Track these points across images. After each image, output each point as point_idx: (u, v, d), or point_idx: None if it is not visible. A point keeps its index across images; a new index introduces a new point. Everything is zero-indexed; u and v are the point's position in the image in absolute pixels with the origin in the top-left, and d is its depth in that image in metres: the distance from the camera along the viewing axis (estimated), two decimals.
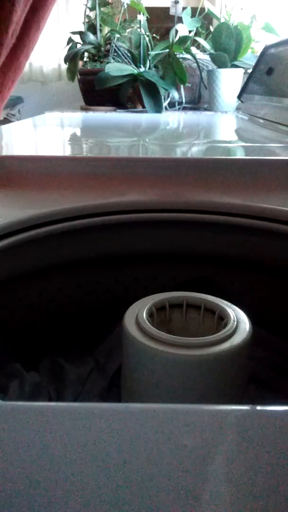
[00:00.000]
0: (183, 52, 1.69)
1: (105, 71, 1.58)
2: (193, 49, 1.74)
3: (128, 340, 0.47)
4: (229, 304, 0.52)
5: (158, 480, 0.20)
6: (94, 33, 1.81)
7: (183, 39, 1.69)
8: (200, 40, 1.72)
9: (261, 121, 1.29)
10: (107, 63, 1.68)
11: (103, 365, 0.62)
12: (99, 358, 0.63)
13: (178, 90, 1.71)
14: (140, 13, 1.72)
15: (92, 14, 1.87)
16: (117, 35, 1.75)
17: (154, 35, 1.77)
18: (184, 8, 1.76)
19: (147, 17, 1.76)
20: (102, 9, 1.82)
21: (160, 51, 1.69)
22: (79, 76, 1.81)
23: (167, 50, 1.66)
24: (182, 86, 1.75)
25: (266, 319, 0.67)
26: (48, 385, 0.59)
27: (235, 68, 1.66)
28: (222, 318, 0.50)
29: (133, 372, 0.49)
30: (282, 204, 0.60)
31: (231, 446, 0.22)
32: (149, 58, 1.71)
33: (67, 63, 1.82)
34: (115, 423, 0.24)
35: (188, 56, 1.71)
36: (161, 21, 1.99)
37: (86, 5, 1.84)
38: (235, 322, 0.48)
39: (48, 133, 1.25)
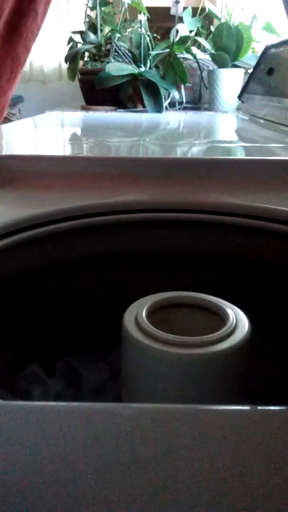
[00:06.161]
0: (184, 52, 1.69)
1: (105, 70, 1.58)
2: (194, 49, 1.74)
3: (127, 339, 0.47)
4: (229, 304, 0.52)
5: (158, 480, 0.20)
6: (95, 32, 1.81)
7: (184, 39, 1.69)
8: (201, 40, 1.71)
9: (262, 121, 1.29)
10: (108, 62, 1.68)
11: (117, 372, 0.61)
12: (113, 365, 0.63)
13: (178, 90, 1.71)
14: (140, 13, 1.72)
15: (92, 14, 1.87)
16: (118, 35, 1.75)
17: (154, 34, 1.77)
18: (184, 8, 1.76)
19: (147, 16, 1.76)
20: (102, 8, 1.82)
21: (161, 51, 1.69)
22: (79, 76, 1.81)
23: (168, 50, 1.66)
24: (182, 86, 1.75)
25: (266, 319, 0.67)
26: (65, 391, 0.58)
27: (236, 68, 1.65)
28: (221, 318, 0.50)
29: (132, 371, 0.50)
30: (282, 204, 0.60)
31: (231, 446, 0.22)
32: (150, 57, 1.71)
33: (68, 63, 1.82)
34: (115, 423, 0.24)
35: (188, 56, 1.71)
36: (162, 21, 1.99)
37: (86, 4, 1.84)
38: (234, 322, 0.48)
39: (49, 132, 1.25)
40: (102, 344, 0.66)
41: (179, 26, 1.71)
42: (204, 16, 1.79)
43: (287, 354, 0.65)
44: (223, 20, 1.73)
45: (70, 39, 1.89)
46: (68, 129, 1.38)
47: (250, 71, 1.62)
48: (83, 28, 1.86)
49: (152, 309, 0.51)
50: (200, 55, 1.74)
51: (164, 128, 1.38)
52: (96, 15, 1.80)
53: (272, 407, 0.25)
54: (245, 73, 1.66)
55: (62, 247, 0.62)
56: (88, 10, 1.85)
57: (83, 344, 0.67)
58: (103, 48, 1.80)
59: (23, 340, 0.64)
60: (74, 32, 1.87)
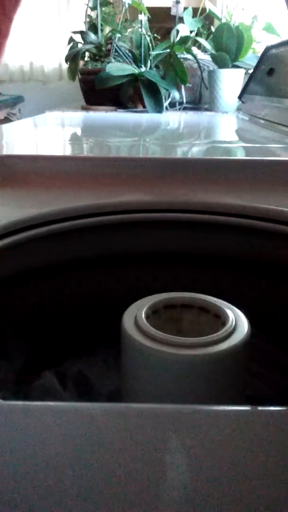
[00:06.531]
0: (184, 52, 1.69)
1: (106, 70, 1.58)
2: (194, 49, 1.74)
3: (126, 339, 0.47)
4: (228, 304, 0.52)
5: (158, 480, 0.20)
6: (95, 32, 1.81)
7: (184, 39, 1.69)
8: (201, 40, 1.71)
9: (262, 121, 1.29)
10: (108, 62, 1.68)
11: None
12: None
13: (179, 90, 1.71)
14: (141, 13, 1.72)
15: (93, 14, 1.87)
16: (118, 35, 1.75)
17: (155, 35, 1.77)
18: (185, 8, 1.76)
19: (148, 17, 1.76)
20: (103, 8, 1.82)
21: (161, 51, 1.69)
22: (80, 76, 1.81)
23: (168, 50, 1.66)
24: (183, 86, 1.75)
25: (267, 319, 0.67)
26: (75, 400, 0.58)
27: (236, 69, 1.66)
28: (221, 320, 0.50)
29: (131, 372, 0.49)
30: (282, 204, 0.60)
31: (231, 446, 0.22)
32: (150, 58, 1.71)
33: (68, 63, 1.82)
34: (115, 423, 0.24)
35: (189, 56, 1.71)
36: (162, 21, 1.99)
37: (87, 4, 1.84)
38: (234, 322, 0.48)
39: (49, 132, 1.25)
40: (111, 349, 0.65)
41: (179, 26, 1.71)
42: (205, 17, 1.79)
43: (287, 356, 0.65)
44: (223, 21, 1.73)
45: (71, 39, 1.89)
46: (68, 129, 1.38)
47: (250, 71, 1.62)
48: (83, 28, 1.86)
49: (151, 309, 0.51)
50: (200, 55, 1.74)
51: (165, 128, 1.38)
52: (97, 15, 1.80)
53: (272, 408, 0.25)
54: (245, 73, 1.66)
55: (62, 247, 0.62)
56: (89, 10, 1.85)
57: (87, 346, 0.66)
58: (103, 48, 1.80)
59: (29, 343, 0.64)
60: (75, 32, 1.87)
